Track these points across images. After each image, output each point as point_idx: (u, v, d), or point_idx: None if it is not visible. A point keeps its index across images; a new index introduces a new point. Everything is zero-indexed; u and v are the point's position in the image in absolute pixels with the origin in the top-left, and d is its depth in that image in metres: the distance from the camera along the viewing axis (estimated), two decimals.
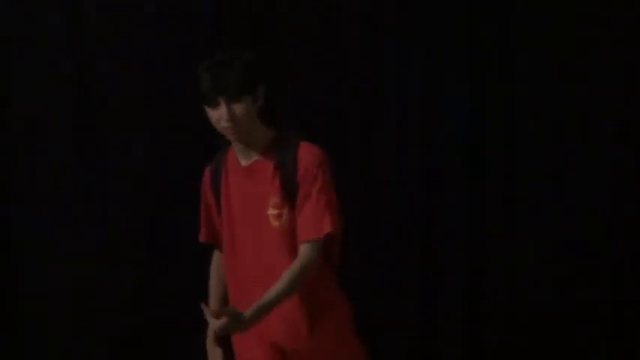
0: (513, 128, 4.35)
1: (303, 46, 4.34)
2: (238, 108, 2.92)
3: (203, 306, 2.86)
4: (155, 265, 4.39)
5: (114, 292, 4.37)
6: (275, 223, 2.98)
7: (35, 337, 4.40)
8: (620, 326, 4.34)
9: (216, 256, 3.28)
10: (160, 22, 4.35)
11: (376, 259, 4.36)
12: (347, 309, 3.09)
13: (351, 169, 4.33)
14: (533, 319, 4.34)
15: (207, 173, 3.18)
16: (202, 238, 3.25)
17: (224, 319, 2.82)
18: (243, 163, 3.04)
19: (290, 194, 2.97)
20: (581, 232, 4.31)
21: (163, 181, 4.37)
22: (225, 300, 3.21)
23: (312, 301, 3.02)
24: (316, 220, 2.93)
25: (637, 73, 4.30)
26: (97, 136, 4.38)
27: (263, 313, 2.86)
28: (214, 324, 2.84)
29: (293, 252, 2.96)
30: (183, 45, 4.33)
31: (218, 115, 2.94)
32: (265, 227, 2.99)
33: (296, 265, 2.91)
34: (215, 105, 2.93)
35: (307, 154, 2.98)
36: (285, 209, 2.97)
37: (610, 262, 4.32)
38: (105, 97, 4.36)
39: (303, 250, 2.92)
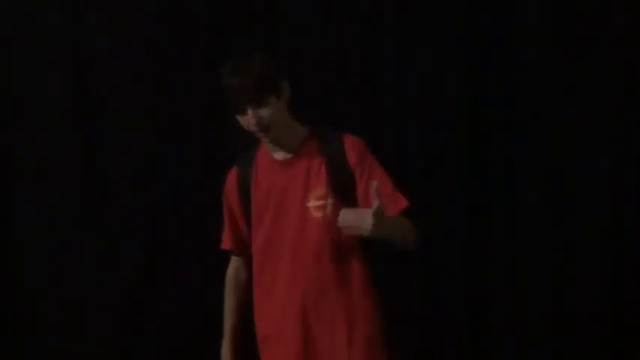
0: (513, 129, 4.35)
1: (302, 46, 4.34)
2: (265, 111, 2.94)
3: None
4: (155, 266, 4.38)
5: (114, 293, 4.37)
6: (318, 214, 2.99)
7: (35, 338, 4.39)
8: (621, 327, 4.34)
9: (236, 264, 3.26)
10: (160, 22, 4.34)
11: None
12: (381, 320, 3.09)
13: None
14: (533, 320, 4.34)
15: (232, 176, 3.17)
16: (227, 244, 3.22)
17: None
18: (278, 157, 3.05)
19: (338, 184, 2.98)
20: (581, 232, 4.31)
21: (163, 182, 4.36)
22: (242, 307, 3.22)
23: (351, 311, 3.03)
24: (395, 195, 2.98)
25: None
26: (96, 136, 4.37)
27: (392, 226, 2.89)
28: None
29: (335, 242, 2.98)
30: (184, 45, 4.33)
31: (246, 122, 2.97)
32: (306, 219, 2.99)
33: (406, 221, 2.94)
34: (242, 112, 2.95)
35: (355, 144, 3.03)
36: (330, 200, 2.99)
37: (610, 262, 4.32)
38: (105, 97, 4.36)
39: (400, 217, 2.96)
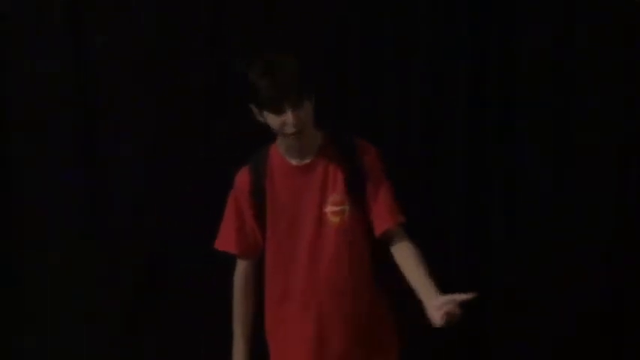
0: (513, 129, 4.35)
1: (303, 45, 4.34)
2: (302, 112, 2.92)
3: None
4: (155, 266, 4.38)
5: (114, 293, 4.36)
6: (335, 219, 2.99)
7: (35, 338, 4.39)
8: (621, 328, 4.34)
9: (245, 267, 3.22)
10: (160, 22, 4.34)
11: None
12: (392, 322, 3.10)
13: None
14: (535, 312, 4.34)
15: (243, 177, 3.14)
16: (232, 247, 3.17)
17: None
18: (295, 162, 3.03)
19: (353, 190, 2.99)
20: (582, 232, 4.31)
21: (163, 182, 4.36)
22: (253, 310, 3.21)
23: (365, 313, 3.06)
24: (395, 209, 3.00)
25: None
26: (96, 136, 4.37)
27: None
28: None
29: (351, 247, 3.00)
30: (184, 45, 4.33)
31: (282, 122, 2.92)
32: (323, 225, 3.00)
33: (410, 245, 2.95)
34: (279, 112, 2.90)
35: (368, 150, 3.05)
36: (346, 205, 2.99)
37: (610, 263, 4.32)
38: (105, 97, 4.35)
39: (401, 231, 2.98)
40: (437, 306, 2.74)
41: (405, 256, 2.95)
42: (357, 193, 2.99)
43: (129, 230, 4.36)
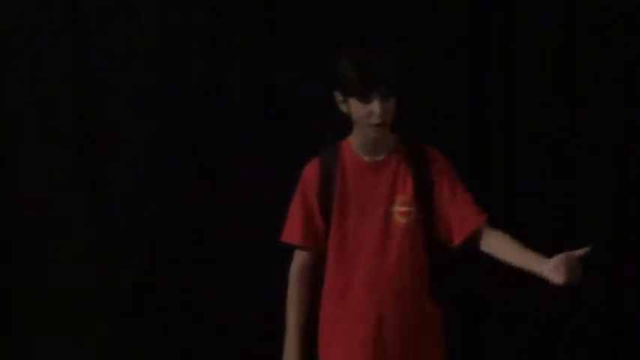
0: (513, 129, 4.35)
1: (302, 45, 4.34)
2: (389, 105, 2.93)
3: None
4: (155, 266, 4.38)
5: (114, 293, 4.36)
6: (402, 220, 3.00)
7: (35, 338, 4.39)
8: (621, 329, 4.34)
9: (304, 259, 3.18)
10: (160, 21, 4.34)
11: None
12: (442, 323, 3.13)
13: None
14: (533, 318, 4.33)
15: (314, 169, 3.13)
16: (297, 239, 3.14)
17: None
18: (367, 158, 3.04)
19: (421, 193, 3.00)
20: (582, 232, 4.31)
21: (163, 182, 4.36)
22: (308, 303, 3.17)
23: (422, 313, 3.07)
24: (478, 209, 3.00)
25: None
26: (96, 136, 4.37)
27: None
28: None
29: (414, 248, 3.01)
30: (184, 45, 4.33)
31: (368, 111, 2.93)
32: (390, 224, 3.01)
33: (500, 231, 2.97)
34: (367, 101, 2.91)
35: (438, 156, 3.07)
36: (413, 207, 3.00)
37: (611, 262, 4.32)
38: (105, 97, 4.35)
39: (488, 225, 2.99)
40: (552, 268, 2.74)
41: (502, 240, 2.95)
42: (423, 198, 3.00)
43: (129, 230, 4.36)
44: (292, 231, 3.16)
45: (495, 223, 4.26)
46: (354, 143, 3.07)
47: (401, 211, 3.01)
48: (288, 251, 4.32)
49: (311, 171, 3.13)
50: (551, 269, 2.75)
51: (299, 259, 3.19)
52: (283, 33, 4.34)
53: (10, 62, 4.34)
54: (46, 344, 4.38)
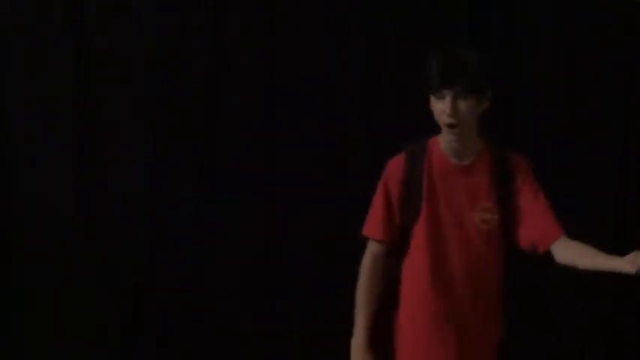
0: (514, 129, 4.36)
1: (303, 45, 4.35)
2: (462, 105, 2.91)
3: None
4: (155, 266, 4.38)
5: (113, 293, 4.37)
6: (484, 226, 3.02)
7: (35, 338, 4.39)
8: (620, 329, 4.35)
9: (377, 251, 3.16)
10: (160, 22, 4.34)
11: None
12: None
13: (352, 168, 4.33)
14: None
15: (399, 166, 3.11)
16: (379, 234, 3.13)
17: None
18: (454, 161, 3.04)
19: (502, 200, 3.01)
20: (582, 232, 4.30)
21: (163, 181, 4.36)
22: (378, 297, 3.15)
23: (494, 314, 3.11)
24: (557, 221, 3.01)
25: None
26: (96, 136, 4.37)
27: None
28: None
29: (496, 255, 3.04)
30: (184, 45, 4.33)
31: (441, 109, 2.93)
32: (472, 229, 3.02)
33: (575, 241, 2.98)
34: (441, 97, 2.92)
35: (522, 164, 3.07)
36: (495, 214, 3.02)
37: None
38: (105, 97, 4.35)
39: (566, 237, 2.99)
40: (628, 260, 2.75)
41: (578, 247, 2.96)
42: (505, 206, 3.02)
43: (129, 230, 4.36)
44: (374, 225, 3.15)
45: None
46: (441, 143, 3.06)
47: (483, 217, 3.02)
48: (288, 251, 4.38)
49: (396, 166, 3.12)
50: (626, 261, 2.75)
51: (372, 251, 3.17)
52: (283, 33, 4.34)
53: (10, 62, 4.33)
54: (46, 344, 4.38)
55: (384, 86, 4.37)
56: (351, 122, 4.37)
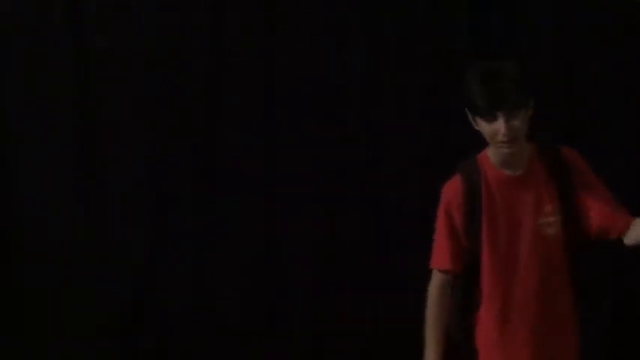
0: None
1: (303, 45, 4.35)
2: (516, 122, 2.88)
3: None
4: (155, 266, 4.39)
5: (114, 293, 4.37)
6: (549, 231, 2.98)
7: (35, 338, 4.39)
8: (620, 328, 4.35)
9: (445, 279, 3.09)
10: (160, 21, 4.35)
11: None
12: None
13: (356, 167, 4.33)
14: None
15: (455, 188, 3.05)
16: (445, 264, 3.05)
17: None
18: (508, 172, 3.00)
19: (564, 200, 2.98)
20: None
21: (164, 181, 4.36)
22: (445, 320, 3.09)
23: (568, 319, 3.06)
24: (622, 208, 2.97)
25: None
26: (96, 136, 4.37)
27: None
28: None
29: (563, 257, 2.99)
30: (184, 45, 4.34)
31: (494, 130, 2.89)
32: (538, 237, 2.97)
33: None
34: (492, 119, 2.88)
35: (573, 156, 3.04)
36: (559, 216, 2.98)
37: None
38: (105, 97, 4.36)
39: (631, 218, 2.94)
40: None
41: None
42: (567, 205, 2.98)
43: (129, 230, 4.36)
44: (441, 257, 3.07)
45: None
46: (492, 158, 3.02)
47: (548, 221, 2.98)
48: (288, 251, 4.38)
49: (453, 189, 3.05)
50: None
51: (439, 280, 3.10)
52: (283, 33, 4.34)
53: (10, 62, 4.34)
54: (46, 344, 4.38)
55: (384, 86, 4.37)
56: (351, 122, 4.37)
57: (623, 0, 4.27)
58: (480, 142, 4.33)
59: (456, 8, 4.35)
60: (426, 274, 4.35)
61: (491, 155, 3.02)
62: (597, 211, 2.96)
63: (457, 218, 3.03)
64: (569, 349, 3.06)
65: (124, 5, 4.33)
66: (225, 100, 4.35)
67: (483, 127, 2.91)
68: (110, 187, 4.36)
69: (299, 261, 4.35)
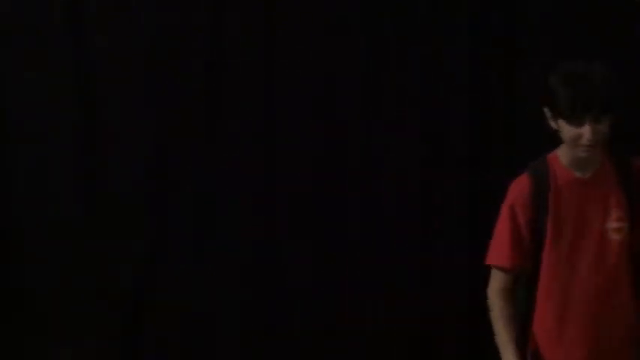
0: (514, 129, 4.36)
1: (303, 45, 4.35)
2: (601, 126, 2.86)
3: None
4: (155, 266, 4.38)
5: (114, 293, 4.36)
6: (616, 236, 2.96)
7: (35, 338, 4.39)
8: None
9: (507, 281, 3.05)
10: (160, 22, 4.34)
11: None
12: None
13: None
14: None
15: (523, 187, 3.02)
16: (509, 263, 3.02)
17: None
18: (578, 174, 2.98)
19: (631, 206, 2.97)
20: None
21: (164, 181, 4.36)
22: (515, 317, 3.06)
23: (630, 324, 3.05)
24: None
25: None
26: (96, 136, 4.37)
27: None
28: None
29: (629, 265, 2.98)
30: (184, 45, 4.33)
31: (577, 134, 2.86)
32: (604, 241, 2.96)
33: None
34: (579, 124, 2.84)
35: None
36: (626, 223, 2.97)
37: None
38: (105, 97, 4.35)
39: None
40: None
41: None
42: (634, 210, 2.97)
43: (129, 230, 4.36)
44: (500, 254, 3.05)
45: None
46: (563, 158, 3.00)
47: (615, 227, 2.97)
48: (288, 251, 4.38)
49: (521, 188, 3.03)
50: None
51: (500, 281, 3.07)
52: (283, 33, 4.34)
53: (10, 62, 4.33)
54: (46, 344, 4.38)
55: (384, 86, 4.37)
56: (351, 122, 4.37)
57: (623, 0, 4.27)
58: (479, 142, 4.36)
59: (456, 8, 4.35)
60: (426, 274, 4.40)
61: (561, 155, 3.00)
62: None
63: (524, 217, 3.00)
64: (625, 350, 3.03)
65: (124, 5, 4.33)
66: (225, 100, 4.35)
67: (566, 129, 2.88)
68: (110, 187, 4.36)
69: (299, 261, 4.35)
